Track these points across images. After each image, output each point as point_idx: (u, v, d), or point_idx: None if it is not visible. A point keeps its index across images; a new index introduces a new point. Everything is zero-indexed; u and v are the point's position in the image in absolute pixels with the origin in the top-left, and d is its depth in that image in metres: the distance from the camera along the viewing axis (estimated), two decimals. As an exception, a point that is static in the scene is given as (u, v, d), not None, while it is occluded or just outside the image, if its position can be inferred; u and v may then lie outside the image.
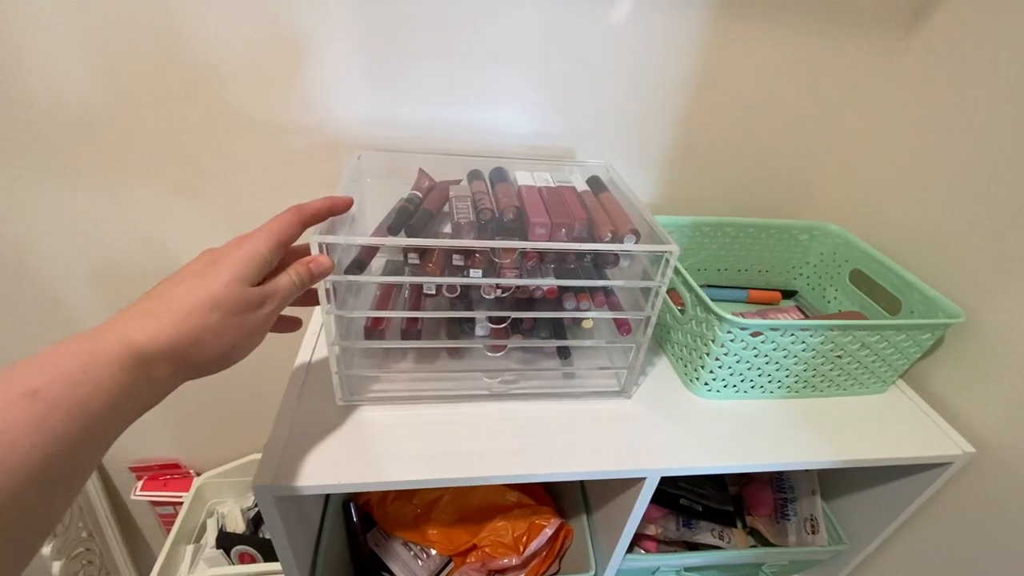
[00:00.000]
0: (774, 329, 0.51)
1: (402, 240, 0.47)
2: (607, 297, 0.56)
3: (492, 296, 0.53)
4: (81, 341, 0.28)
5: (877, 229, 0.69)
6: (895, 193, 0.67)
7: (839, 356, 0.55)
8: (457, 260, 0.51)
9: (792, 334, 0.52)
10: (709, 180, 0.76)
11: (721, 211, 0.77)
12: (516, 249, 0.50)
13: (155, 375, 0.30)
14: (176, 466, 0.97)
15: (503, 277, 0.50)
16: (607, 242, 0.51)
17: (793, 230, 0.71)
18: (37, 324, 0.77)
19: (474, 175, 0.60)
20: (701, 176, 0.75)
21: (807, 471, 0.71)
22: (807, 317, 0.68)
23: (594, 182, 0.62)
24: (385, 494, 0.68)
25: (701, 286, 0.72)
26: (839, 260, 0.70)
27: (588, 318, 0.55)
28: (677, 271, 0.56)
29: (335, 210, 0.42)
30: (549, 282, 0.51)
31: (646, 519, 0.71)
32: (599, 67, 0.65)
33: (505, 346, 0.53)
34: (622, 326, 0.54)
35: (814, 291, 0.74)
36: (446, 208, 0.55)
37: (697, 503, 0.72)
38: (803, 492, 0.71)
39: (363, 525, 0.68)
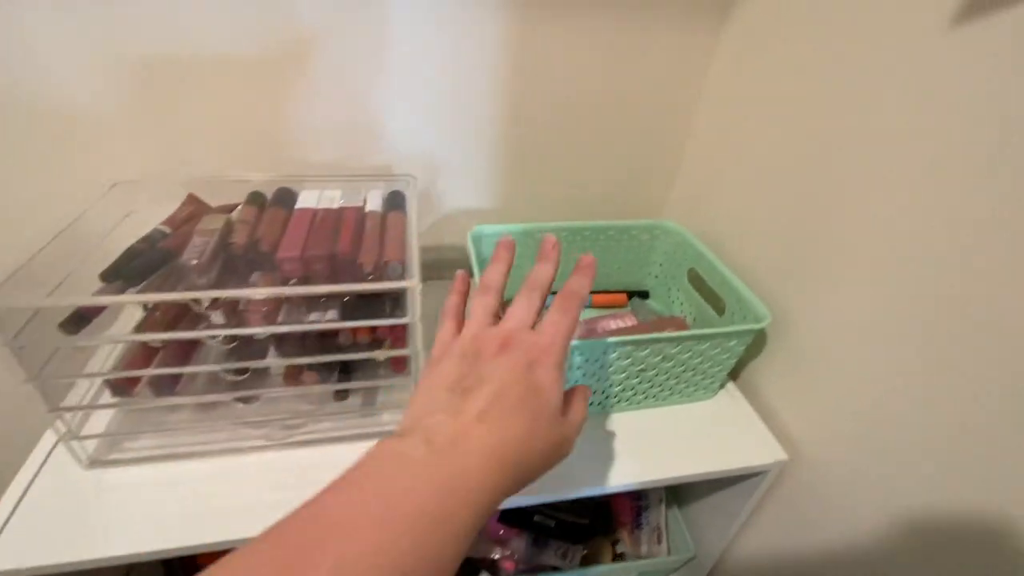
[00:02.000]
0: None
1: (63, 300, 0.41)
2: (392, 329, 0.51)
3: (263, 336, 0.49)
4: (436, 502, 0.24)
5: (714, 226, 0.65)
6: (726, 187, 0.64)
7: (642, 370, 0.51)
8: (196, 306, 0.46)
9: (577, 353, 0.48)
10: (550, 185, 0.71)
11: (567, 215, 0.73)
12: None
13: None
14: None
15: (251, 320, 0.45)
16: (367, 273, 0.47)
17: (632, 230, 0.67)
18: None
19: (254, 199, 0.54)
20: (540, 182, 0.71)
21: (656, 479, 0.69)
22: (638, 323, 0.64)
23: (393, 199, 0.57)
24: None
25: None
26: (679, 259, 0.66)
27: (360, 358, 0.50)
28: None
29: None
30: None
31: (495, 541, 0.68)
32: (414, 78, 0.60)
33: (255, 397, 0.49)
34: (396, 363, 0.50)
35: (663, 292, 0.71)
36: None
37: (551, 518, 0.70)
38: (653, 501, 0.69)
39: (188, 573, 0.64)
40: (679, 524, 0.68)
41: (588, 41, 0.61)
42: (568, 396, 0.34)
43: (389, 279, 0.46)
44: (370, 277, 0.47)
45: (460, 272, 0.39)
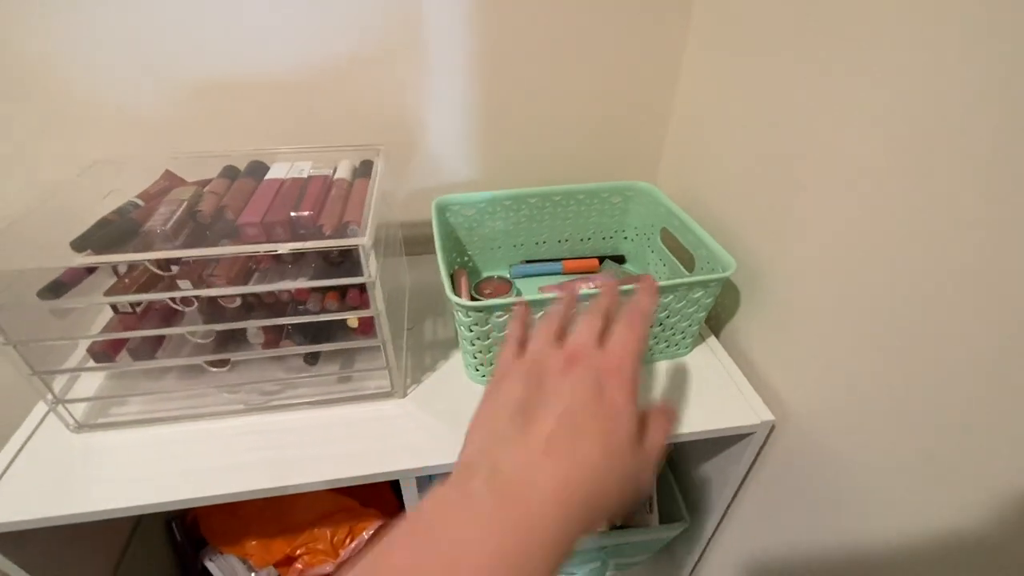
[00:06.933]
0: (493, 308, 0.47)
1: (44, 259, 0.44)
2: (361, 295, 0.52)
3: (235, 305, 0.51)
4: (509, 546, 0.23)
5: (696, 187, 0.64)
6: (700, 146, 0.62)
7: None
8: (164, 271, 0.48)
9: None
10: (527, 151, 0.71)
11: (545, 181, 0.72)
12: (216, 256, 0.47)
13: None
14: None
15: (216, 285, 0.47)
16: (327, 235, 0.48)
17: (603, 193, 0.66)
18: None
19: (227, 172, 0.57)
20: (519, 148, 0.71)
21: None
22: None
23: (362, 168, 0.59)
24: (207, 509, 0.67)
25: (520, 262, 0.69)
26: (652, 220, 0.65)
27: (320, 319, 0.51)
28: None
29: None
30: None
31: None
32: (394, 51, 0.62)
33: (228, 361, 0.50)
34: (362, 325, 0.51)
35: (639, 254, 0.69)
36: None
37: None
38: (643, 468, 0.67)
39: (192, 542, 0.67)
40: (673, 491, 0.66)
41: (563, 9, 0.61)
42: (644, 419, 0.29)
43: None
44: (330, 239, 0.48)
45: (519, 306, 0.38)
